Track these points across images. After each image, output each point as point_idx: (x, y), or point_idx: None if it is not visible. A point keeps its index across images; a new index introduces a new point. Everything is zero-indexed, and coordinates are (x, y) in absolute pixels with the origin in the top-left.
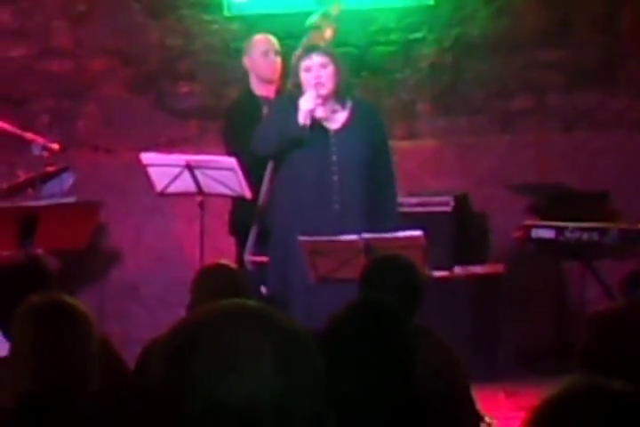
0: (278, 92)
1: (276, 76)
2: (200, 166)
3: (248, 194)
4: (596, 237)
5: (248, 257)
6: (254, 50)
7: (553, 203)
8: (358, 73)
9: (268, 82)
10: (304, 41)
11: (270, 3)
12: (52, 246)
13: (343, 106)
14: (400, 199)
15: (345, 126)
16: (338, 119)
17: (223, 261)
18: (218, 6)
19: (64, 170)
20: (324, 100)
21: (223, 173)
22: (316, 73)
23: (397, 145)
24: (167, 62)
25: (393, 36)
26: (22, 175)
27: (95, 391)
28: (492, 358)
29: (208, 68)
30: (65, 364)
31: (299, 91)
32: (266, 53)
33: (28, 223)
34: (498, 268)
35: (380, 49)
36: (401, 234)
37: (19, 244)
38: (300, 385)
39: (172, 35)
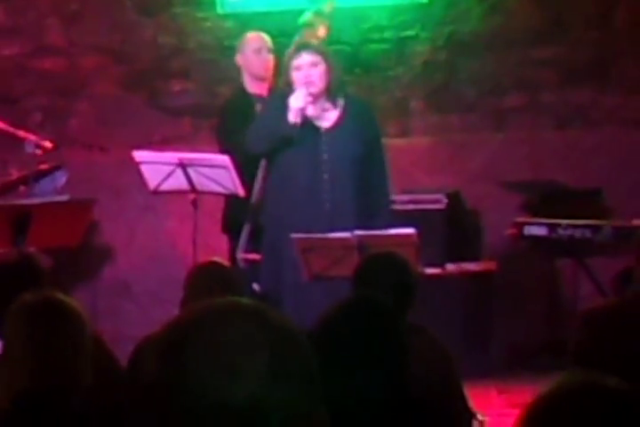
0: (271, 89)
1: (269, 73)
2: (193, 164)
3: (241, 192)
4: (588, 234)
5: (241, 255)
6: (247, 48)
7: (546, 200)
8: (351, 70)
9: (260, 79)
10: (297, 39)
11: (263, 0)
12: (44, 244)
13: (335, 104)
14: (393, 197)
15: (336, 125)
16: (329, 118)
17: (216, 258)
18: (211, 4)
19: (57, 168)
20: (315, 98)
21: (216, 171)
22: (307, 72)
23: (390, 142)
24: (160, 60)
25: (386, 34)
26: (15, 173)
27: (88, 389)
28: (484, 355)
29: (201, 65)
30: (58, 362)
31: (290, 89)
32: (258, 51)
33: (21, 221)
34: (491, 265)
35: (374, 47)
36: (394, 231)
37: (11, 242)
38: (294, 384)
39: (165, 32)
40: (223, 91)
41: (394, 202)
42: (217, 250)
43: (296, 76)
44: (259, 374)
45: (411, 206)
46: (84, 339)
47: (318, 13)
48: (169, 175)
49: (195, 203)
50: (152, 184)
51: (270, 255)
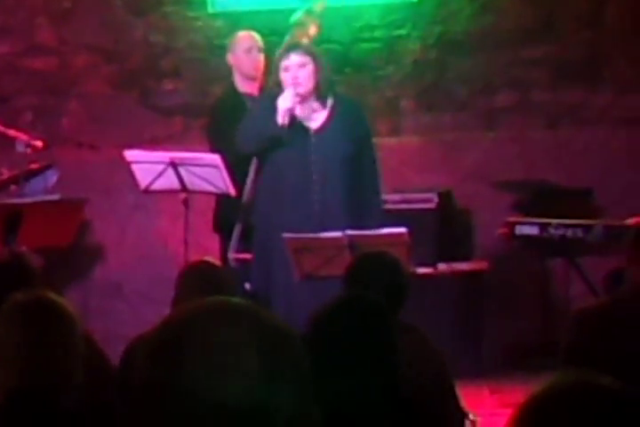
0: (262, 88)
1: (260, 73)
2: (184, 163)
3: (232, 191)
4: (580, 233)
5: (232, 254)
6: (238, 47)
7: (537, 199)
8: (342, 69)
9: (251, 79)
10: (287, 38)
11: None
12: (35, 244)
13: (324, 104)
14: (384, 196)
15: (325, 125)
16: (318, 118)
17: (207, 258)
18: (201, 3)
19: (48, 167)
20: (303, 98)
21: (207, 171)
22: (294, 73)
23: (381, 142)
24: (151, 59)
25: (377, 33)
26: (6, 172)
27: (79, 388)
28: (476, 354)
29: (192, 65)
30: (49, 361)
31: (280, 89)
32: (249, 50)
33: (12, 221)
34: (482, 264)
35: (364, 46)
36: (385, 231)
37: (2, 241)
38: (286, 384)
39: (155, 32)
40: (214, 90)
41: (385, 201)
42: (208, 249)
43: (284, 76)
44: (251, 373)
45: (402, 206)
46: (75, 338)
47: (309, 12)
48: (160, 174)
49: (186, 202)
50: (143, 183)
51: (261, 255)
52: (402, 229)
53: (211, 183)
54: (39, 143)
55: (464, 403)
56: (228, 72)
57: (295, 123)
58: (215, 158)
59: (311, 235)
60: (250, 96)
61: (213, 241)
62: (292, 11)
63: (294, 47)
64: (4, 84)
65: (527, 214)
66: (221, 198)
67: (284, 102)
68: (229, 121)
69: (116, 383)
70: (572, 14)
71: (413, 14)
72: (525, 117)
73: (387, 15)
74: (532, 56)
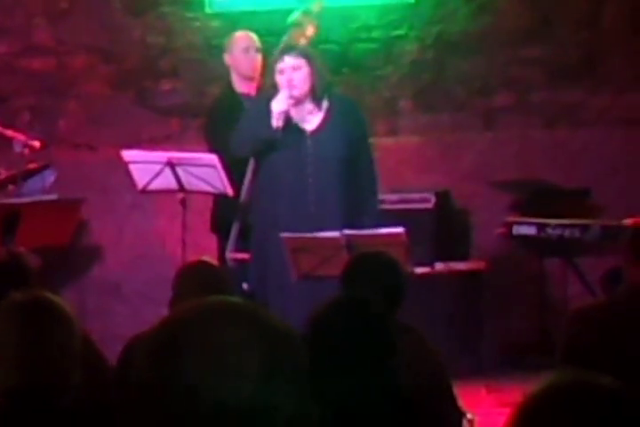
0: (259, 89)
1: (257, 73)
2: (181, 163)
3: (230, 191)
4: (577, 233)
5: (230, 254)
6: (235, 47)
7: (535, 199)
8: (340, 70)
9: (248, 79)
10: (285, 38)
11: (251, 0)
12: (33, 244)
13: (319, 106)
14: (381, 196)
15: (321, 127)
16: (314, 120)
17: (205, 258)
18: (199, 3)
19: (45, 167)
20: (297, 101)
21: (205, 171)
22: (289, 75)
23: (379, 142)
24: (148, 60)
25: (374, 34)
26: (3, 172)
27: (76, 388)
28: (473, 354)
29: (189, 65)
30: (46, 361)
31: (276, 91)
32: (246, 50)
33: (10, 220)
34: (480, 264)
35: (362, 46)
36: (383, 231)
37: (0, 241)
38: (286, 384)
39: (153, 32)
40: (211, 90)
41: (383, 201)
42: (206, 249)
43: (279, 79)
44: (251, 374)
45: (399, 206)
46: (72, 338)
47: (307, 13)
48: (157, 175)
49: (183, 202)
50: (141, 183)
51: (258, 255)
52: (399, 229)
53: (208, 183)
54: (37, 143)
55: (462, 402)
56: (225, 72)
57: (291, 125)
58: (212, 158)
59: (309, 234)
60: (247, 96)
61: (211, 241)
62: (290, 11)
63: (289, 50)
64: (1, 85)
65: (524, 214)
66: (219, 198)
67: (278, 105)
68: (227, 121)
69: (114, 383)
70: (570, 15)
71: (411, 15)
72: (523, 117)
73: (384, 15)
74: (530, 56)
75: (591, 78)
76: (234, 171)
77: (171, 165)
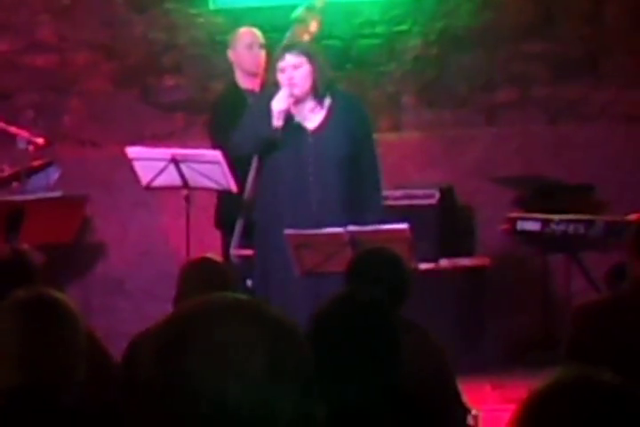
0: (263, 85)
1: (261, 69)
2: (186, 160)
3: (234, 187)
4: (581, 229)
5: (234, 251)
6: (239, 43)
7: (538, 195)
8: (343, 66)
9: (252, 75)
10: (288, 34)
11: None
12: (37, 241)
13: (321, 104)
14: (385, 192)
15: (323, 125)
16: (316, 118)
17: (209, 254)
18: (202, 0)
19: (49, 164)
20: (298, 100)
21: (209, 167)
22: (289, 74)
23: (382, 137)
24: (152, 56)
25: (378, 29)
26: (7, 169)
27: (81, 385)
28: (478, 350)
29: (193, 61)
30: (51, 358)
31: (277, 89)
32: (250, 47)
33: (14, 218)
34: (484, 260)
35: (365, 42)
36: (387, 227)
37: (4, 238)
38: (290, 382)
39: (156, 28)
40: (215, 86)
41: (386, 197)
42: (210, 246)
43: (280, 77)
44: (258, 371)
45: (403, 202)
46: (77, 335)
47: (310, 8)
48: (162, 171)
49: (188, 199)
50: (145, 180)
51: (261, 251)
52: (403, 225)
53: (212, 180)
54: (41, 140)
55: (466, 398)
56: (229, 68)
57: (292, 123)
58: (216, 155)
59: (312, 231)
60: (251, 92)
61: (215, 237)
62: (293, 7)
63: (289, 48)
64: (5, 82)
65: (528, 210)
66: (223, 195)
67: (278, 104)
68: (230, 117)
69: (119, 380)
70: (573, 10)
71: (414, 10)
72: (526, 113)
73: (387, 11)
74: (533, 52)
75: (594, 74)
76: (238, 167)
77: (175, 161)
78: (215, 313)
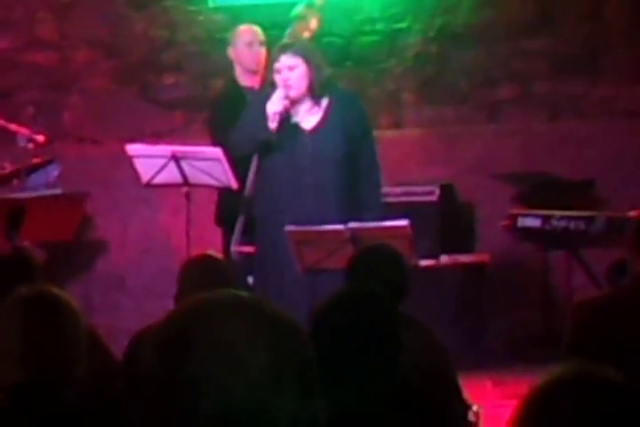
0: (263, 82)
1: (261, 66)
2: (186, 157)
3: (234, 184)
4: (582, 225)
5: (234, 248)
6: (239, 40)
7: (539, 191)
8: (343, 63)
9: (252, 72)
10: (288, 31)
11: None
12: (38, 238)
13: (319, 105)
14: (385, 189)
15: (320, 126)
16: (313, 119)
17: (209, 251)
18: None
19: (49, 162)
20: (294, 101)
21: (209, 164)
22: (284, 75)
23: (382, 134)
24: (152, 53)
25: (378, 26)
26: (8, 167)
27: (82, 382)
28: (478, 346)
29: (193, 58)
30: (52, 355)
31: (274, 89)
32: (250, 44)
33: (15, 215)
34: (484, 257)
35: (365, 39)
36: (387, 224)
37: (5, 236)
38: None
39: (156, 26)
40: (215, 83)
41: (386, 194)
42: (211, 243)
43: (276, 78)
44: (259, 368)
45: (403, 199)
46: (78, 333)
47: (310, 6)
48: (162, 168)
49: (188, 196)
50: (145, 177)
51: (261, 248)
52: (404, 222)
53: (212, 177)
54: (41, 138)
55: (467, 395)
56: (229, 66)
57: (289, 123)
58: (217, 152)
59: (313, 228)
60: (251, 90)
61: (216, 234)
62: (293, 4)
63: (285, 48)
64: (5, 79)
65: (528, 206)
66: (223, 192)
67: (273, 106)
68: (230, 115)
69: (121, 377)
70: (573, 6)
71: (414, 7)
72: (527, 110)
73: (387, 8)
74: (533, 48)
75: (594, 70)
76: (238, 164)
77: (175, 158)
78: (216, 310)
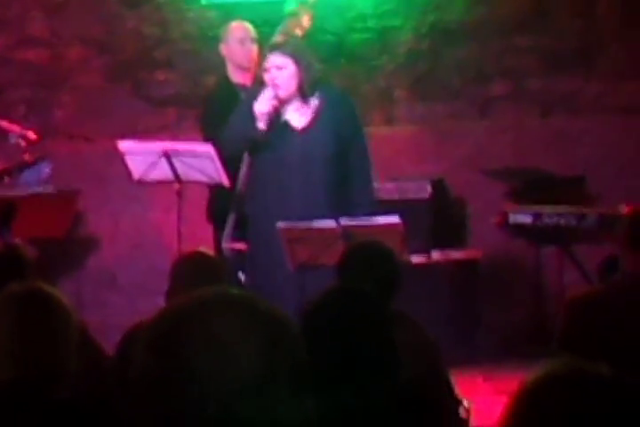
0: (255, 79)
1: (253, 63)
2: (177, 154)
3: (225, 181)
4: (573, 221)
5: (226, 244)
6: (231, 37)
7: (531, 188)
8: (335, 60)
9: (244, 69)
10: (280, 28)
11: None
12: (30, 235)
13: (308, 104)
14: (377, 185)
15: (310, 125)
16: (302, 118)
17: (201, 248)
18: None
19: (41, 159)
20: (282, 101)
21: (200, 161)
22: (272, 75)
23: (375, 131)
24: (144, 50)
25: (370, 23)
26: None
27: (73, 378)
28: (470, 342)
29: (185, 55)
30: (43, 351)
31: (264, 88)
32: (242, 41)
33: (6, 212)
34: (476, 253)
35: (357, 36)
36: (379, 220)
37: None
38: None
39: (148, 23)
40: (207, 80)
41: (378, 191)
42: (202, 240)
43: (265, 77)
44: (252, 363)
45: (395, 195)
46: (69, 329)
47: (302, 3)
48: (153, 165)
49: (179, 193)
50: (137, 174)
51: (252, 245)
52: (396, 218)
53: (204, 173)
54: (32, 135)
55: (458, 390)
56: (221, 63)
57: (280, 122)
58: (208, 149)
59: (305, 224)
60: (243, 87)
61: (207, 231)
62: (285, 1)
63: (274, 48)
64: None
65: (521, 203)
66: (215, 188)
67: (261, 106)
68: (222, 111)
69: (112, 373)
70: (565, 3)
71: (406, 4)
72: (519, 106)
73: (380, 5)
74: (526, 45)
75: (586, 67)
76: (230, 161)
77: (166, 155)
78: (208, 306)
